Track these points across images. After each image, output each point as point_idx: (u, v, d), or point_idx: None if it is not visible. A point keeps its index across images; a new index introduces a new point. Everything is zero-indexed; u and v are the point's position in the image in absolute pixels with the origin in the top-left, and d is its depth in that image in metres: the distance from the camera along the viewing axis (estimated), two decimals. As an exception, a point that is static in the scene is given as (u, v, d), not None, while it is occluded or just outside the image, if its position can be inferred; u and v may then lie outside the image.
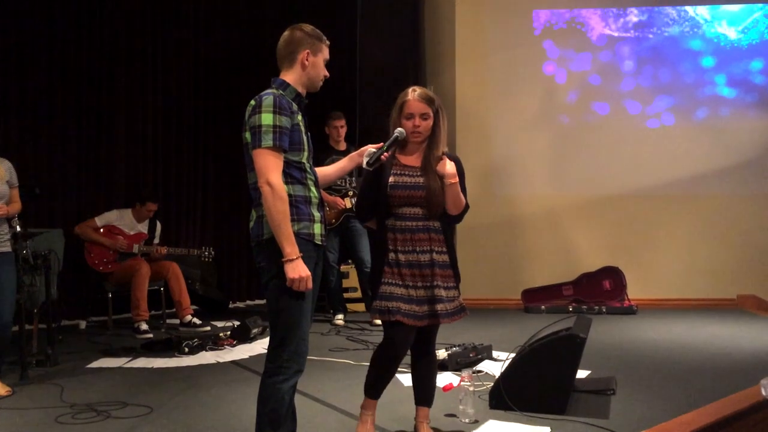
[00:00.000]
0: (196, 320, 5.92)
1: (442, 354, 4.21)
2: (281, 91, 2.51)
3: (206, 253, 6.17)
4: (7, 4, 5.81)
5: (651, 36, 7.08)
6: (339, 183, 5.79)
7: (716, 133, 6.97)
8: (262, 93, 2.47)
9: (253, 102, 2.46)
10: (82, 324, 6.12)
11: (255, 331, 5.31)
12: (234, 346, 5.06)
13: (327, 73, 2.64)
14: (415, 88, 2.84)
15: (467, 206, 2.86)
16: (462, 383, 3.23)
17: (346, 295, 6.48)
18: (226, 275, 7.35)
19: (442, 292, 2.75)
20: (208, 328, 5.87)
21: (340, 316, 6.02)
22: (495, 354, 4.48)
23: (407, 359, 2.97)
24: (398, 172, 2.81)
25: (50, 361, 4.49)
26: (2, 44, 5.81)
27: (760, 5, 6.96)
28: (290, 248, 2.36)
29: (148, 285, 5.82)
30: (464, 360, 4.21)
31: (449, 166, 2.77)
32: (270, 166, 2.39)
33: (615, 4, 7.12)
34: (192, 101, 7.13)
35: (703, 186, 6.97)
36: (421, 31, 7.51)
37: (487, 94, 7.21)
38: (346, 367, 4.22)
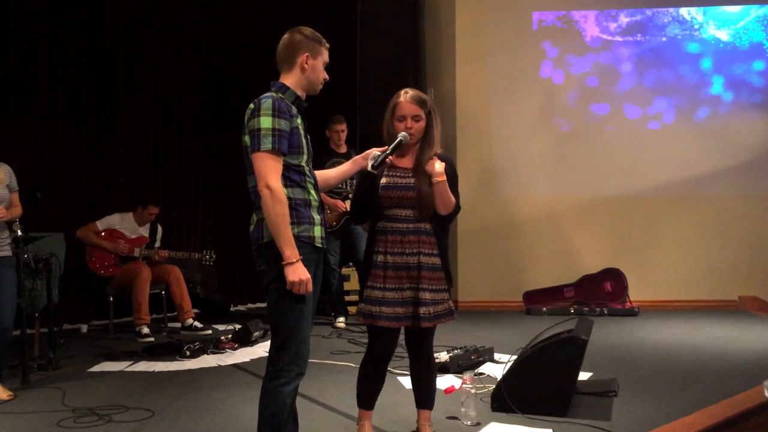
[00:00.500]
0: (198, 323, 5.93)
1: (443, 356, 4.21)
2: (280, 95, 2.51)
3: (207, 257, 6.17)
4: (7, 7, 5.81)
5: (651, 38, 7.09)
6: (340, 186, 5.79)
7: (717, 134, 6.97)
8: (261, 96, 2.47)
9: (252, 105, 2.46)
10: (84, 328, 6.13)
11: (256, 334, 5.31)
12: (235, 349, 5.06)
13: (327, 76, 2.64)
14: (408, 90, 2.83)
15: (458, 207, 2.85)
16: (464, 386, 3.22)
17: (347, 297, 6.48)
18: (227, 278, 7.36)
19: (427, 295, 2.75)
20: (210, 331, 5.87)
21: (342, 319, 6.02)
22: (497, 356, 4.48)
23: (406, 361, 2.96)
24: (390, 173, 2.82)
25: (52, 365, 4.49)
26: (3, 48, 5.82)
27: (758, 6, 6.95)
28: (290, 251, 2.36)
29: (150, 289, 5.82)
30: (466, 362, 4.21)
31: (437, 165, 2.77)
32: (269, 170, 2.39)
33: (614, 6, 7.12)
34: (193, 105, 7.14)
35: (704, 187, 6.97)
36: (421, 34, 7.52)
37: (487, 97, 7.21)
38: (348, 369, 4.20)
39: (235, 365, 4.61)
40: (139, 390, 3.96)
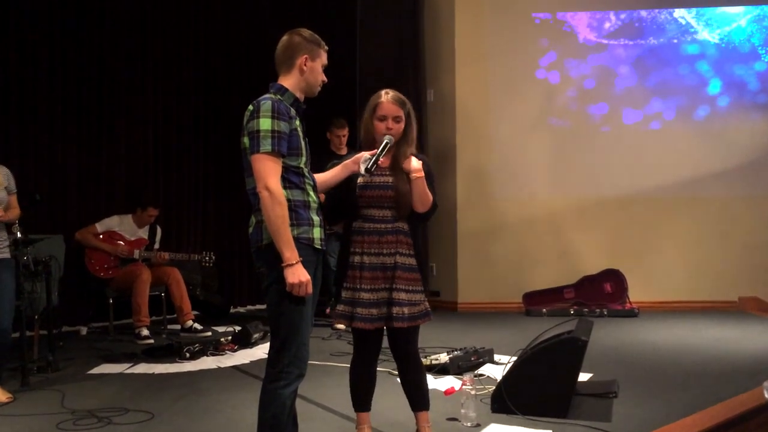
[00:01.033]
0: (197, 325, 5.92)
1: (443, 358, 4.21)
2: (279, 96, 2.51)
3: (207, 258, 6.16)
4: (7, 9, 5.81)
5: (650, 39, 7.09)
6: None
7: (716, 135, 6.97)
8: (260, 98, 2.47)
9: (251, 107, 2.46)
10: (83, 330, 6.13)
11: (256, 336, 5.30)
12: (235, 351, 5.05)
13: (325, 79, 2.64)
14: (388, 90, 2.84)
15: (435, 205, 2.85)
16: (464, 387, 3.22)
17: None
18: (227, 280, 7.34)
19: (403, 295, 2.74)
20: (209, 333, 5.86)
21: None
22: (496, 357, 4.47)
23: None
24: None
25: (51, 368, 4.48)
26: (3, 49, 5.82)
27: (755, 6, 6.96)
28: (290, 253, 2.36)
29: (149, 290, 5.82)
30: (466, 364, 4.20)
31: (414, 161, 2.77)
32: (268, 171, 2.38)
33: (613, 7, 7.12)
34: (192, 106, 7.15)
35: (704, 188, 6.96)
36: (420, 36, 7.52)
37: (487, 98, 7.22)
38: (347, 371, 4.19)
39: (234, 367, 4.60)
40: (139, 392, 3.96)
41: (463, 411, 3.20)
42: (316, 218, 2.53)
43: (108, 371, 4.52)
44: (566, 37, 7.17)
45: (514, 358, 3.50)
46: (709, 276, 6.86)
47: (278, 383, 2.42)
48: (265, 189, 2.36)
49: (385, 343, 2.89)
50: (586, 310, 6.51)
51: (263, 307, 7.43)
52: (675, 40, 7.06)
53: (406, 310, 2.73)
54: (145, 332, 5.63)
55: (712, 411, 3.29)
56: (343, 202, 2.83)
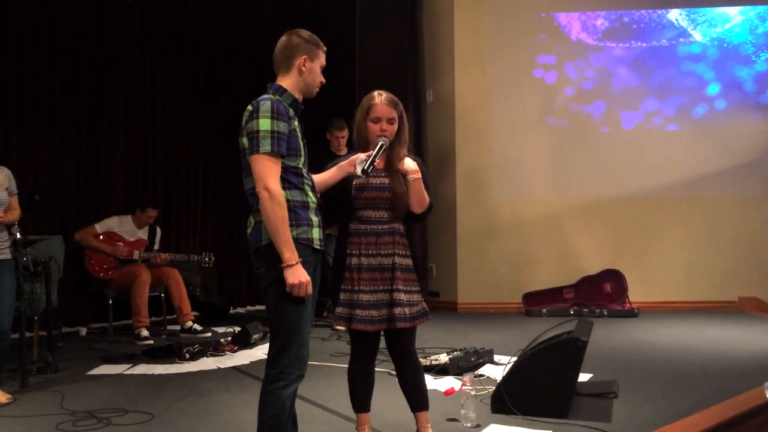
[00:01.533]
0: (197, 326, 5.92)
1: (443, 358, 4.21)
2: (278, 97, 2.50)
3: (207, 259, 6.17)
4: (6, 10, 5.81)
5: (649, 40, 7.09)
6: None
7: (716, 135, 6.97)
8: (259, 98, 2.46)
9: (250, 107, 2.45)
10: (83, 331, 6.12)
11: (256, 336, 5.30)
12: (235, 351, 5.05)
13: (323, 80, 2.64)
14: (381, 92, 2.84)
15: (431, 205, 2.86)
16: (464, 387, 3.22)
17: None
18: (226, 281, 7.35)
19: (402, 296, 2.74)
20: (209, 333, 5.86)
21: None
22: (496, 358, 4.47)
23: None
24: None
25: (51, 368, 4.48)
26: (2, 51, 5.82)
27: (753, 7, 6.96)
28: (289, 254, 2.36)
29: (149, 291, 5.81)
30: (466, 364, 4.20)
31: (410, 162, 2.78)
32: (268, 172, 2.38)
33: (614, 7, 7.12)
34: (191, 107, 7.15)
35: (704, 188, 6.96)
36: (419, 36, 7.52)
37: (486, 98, 7.22)
38: (346, 372, 4.20)
39: (234, 368, 4.60)
40: (139, 393, 3.95)
41: (463, 411, 3.20)
42: (315, 218, 2.53)
43: (107, 372, 4.52)
44: (565, 38, 7.17)
45: (514, 359, 3.50)
46: (708, 276, 6.85)
47: (278, 384, 2.42)
48: (264, 189, 2.36)
49: (382, 343, 2.89)
50: (585, 310, 6.51)
51: (263, 307, 7.41)
52: (673, 41, 7.06)
53: (407, 310, 2.73)
54: (145, 333, 5.63)
55: (712, 411, 3.29)
56: (338, 203, 2.82)
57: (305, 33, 2.60)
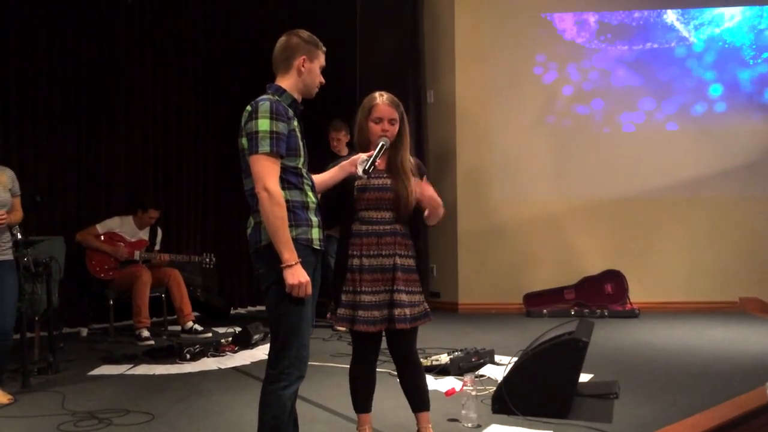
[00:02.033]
0: (198, 326, 5.92)
1: (444, 358, 4.21)
2: (277, 97, 2.50)
3: (207, 260, 6.17)
4: (6, 10, 5.81)
5: (651, 40, 7.09)
6: None
7: (716, 136, 6.97)
8: (258, 98, 2.46)
9: (249, 108, 2.45)
10: (84, 331, 6.13)
11: (256, 337, 5.30)
12: (235, 352, 5.05)
13: (323, 80, 2.63)
14: (383, 93, 2.84)
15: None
16: (464, 388, 3.22)
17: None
18: (227, 281, 7.35)
19: (404, 297, 2.74)
20: (210, 334, 5.86)
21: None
22: (497, 358, 4.47)
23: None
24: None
25: (52, 369, 4.48)
26: (2, 51, 5.82)
27: (751, 7, 6.96)
28: (288, 254, 2.35)
29: (150, 292, 5.82)
30: (466, 364, 4.20)
31: (425, 188, 2.77)
32: (267, 172, 2.38)
33: (615, 7, 7.12)
34: (192, 108, 7.15)
35: (705, 188, 6.96)
36: (420, 37, 7.52)
37: (486, 98, 7.22)
38: (348, 372, 4.19)
39: (235, 368, 4.60)
40: (139, 393, 3.95)
41: (463, 412, 3.20)
42: (314, 219, 2.53)
43: (108, 372, 4.52)
44: (565, 38, 7.17)
45: (515, 359, 3.50)
46: (709, 277, 6.85)
47: (278, 384, 2.41)
48: (264, 190, 2.36)
49: (383, 344, 2.89)
50: (586, 310, 6.51)
51: (263, 308, 7.39)
52: (673, 42, 7.06)
53: (407, 311, 2.73)
54: (146, 333, 5.63)
55: (713, 412, 3.29)
56: (339, 204, 2.82)
57: (304, 33, 2.59)
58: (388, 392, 3.51)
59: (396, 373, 2.93)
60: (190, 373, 4.47)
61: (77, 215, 6.21)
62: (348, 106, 7.31)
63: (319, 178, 2.75)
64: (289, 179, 2.46)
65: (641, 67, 7.10)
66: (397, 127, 2.82)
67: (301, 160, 2.52)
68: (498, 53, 7.21)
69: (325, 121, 6.08)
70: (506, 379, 3.39)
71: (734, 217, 6.90)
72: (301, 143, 2.52)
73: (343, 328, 5.84)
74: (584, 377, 3.88)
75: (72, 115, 6.26)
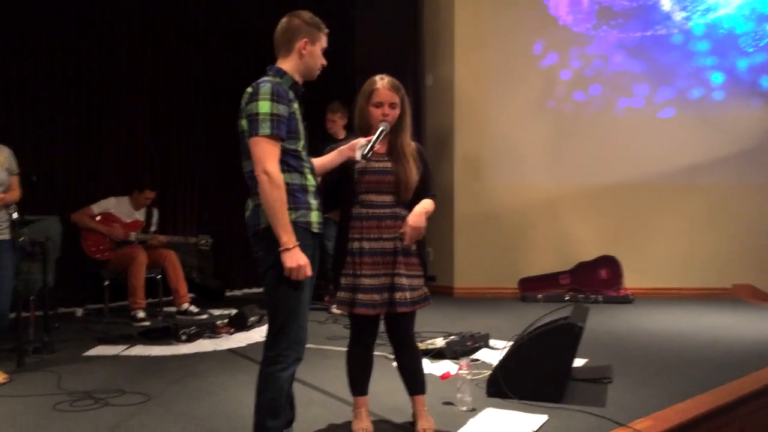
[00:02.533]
0: (194, 308, 5.92)
1: (439, 342, 4.23)
2: (278, 79, 2.49)
3: (203, 241, 6.16)
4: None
5: (651, 25, 7.06)
6: None
7: (714, 123, 6.97)
8: (259, 80, 2.45)
9: (249, 89, 2.44)
10: (79, 311, 6.13)
11: (252, 319, 5.31)
12: (231, 334, 5.06)
13: (324, 62, 2.62)
14: (383, 76, 2.83)
15: (434, 196, 2.88)
16: (460, 372, 3.24)
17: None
18: (222, 263, 7.35)
19: (404, 281, 2.74)
20: (205, 316, 5.87)
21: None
22: (492, 342, 4.49)
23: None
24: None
25: (47, 349, 4.49)
26: (3, 33, 5.76)
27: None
28: (287, 237, 2.35)
29: (145, 273, 5.81)
30: (461, 348, 4.22)
31: (412, 221, 2.74)
32: (267, 155, 2.37)
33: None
34: (191, 88, 7.11)
35: (700, 175, 6.98)
36: (419, 21, 7.48)
37: (485, 84, 7.19)
38: (344, 355, 4.19)
39: (231, 350, 4.61)
40: (135, 374, 3.96)
41: (458, 395, 3.22)
42: (313, 202, 2.52)
43: (104, 353, 4.53)
44: (564, 24, 7.13)
45: (510, 343, 3.51)
46: (703, 263, 6.88)
47: (276, 366, 2.42)
48: (263, 173, 2.35)
49: (381, 327, 2.90)
50: (581, 296, 6.54)
51: (259, 290, 7.44)
52: (673, 28, 7.03)
53: (408, 294, 2.74)
54: (141, 314, 5.64)
55: (706, 396, 3.32)
56: (338, 188, 2.82)
57: (306, 15, 2.57)
58: (384, 375, 3.52)
59: (392, 356, 2.94)
60: (186, 355, 4.48)
61: (73, 195, 6.18)
62: (346, 89, 7.30)
63: (318, 162, 2.74)
64: (288, 162, 2.45)
65: (640, 53, 7.08)
66: (397, 111, 2.81)
67: (301, 143, 2.51)
68: (497, 38, 7.18)
69: (322, 103, 6.04)
70: (501, 363, 3.41)
71: (730, 204, 6.92)
72: (301, 126, 2.51)
73: (339, 311, 5.91)
74: (578, 362, 3.90)
75: (70, 96, 6.22)
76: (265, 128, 2.36)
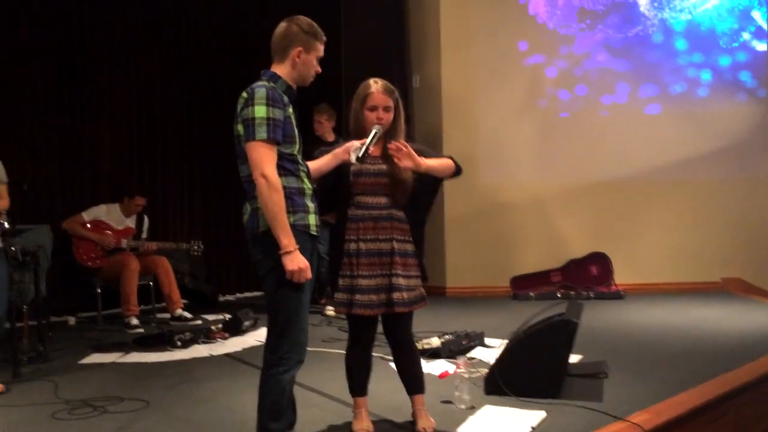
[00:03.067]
0: (187, 314, 5.92)
1: (435, 342, 4.25)
2: (272, 84, 2.51)
3: (195, 247, 6.15)
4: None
5: (633, 24, 7.12)
6: None
7: (698, 119, 7.04)
8: (254, 85, 2.46)
9: (245, 94, 2.45)
10: (71, 320, 6.10)
11: (246, 323, 5.30)
12: (226, 338, 5.05)
13: (319, 69, 2.63)
14: (377, 80, 2.86)
15: (458, 166, 2.94)
16: (457, 370, 3.26)
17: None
18: (214, 268, 7.33)
19: (401, 281, 2.77)
20: (199, 321, 5.86)
21: (332, 307, 6.02)
22: (487, 341, 4.52)
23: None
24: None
25: (42, 358, 4.47)
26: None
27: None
28: (287, 240, 2.37)
29: (138, 280, 5.79)
30: (457, 347, 4.24)
31: (407, 162, 2.76)
32: (265, 159, 2.38)
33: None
34: (179, 94, 7.09)
35: (688, 171, 7.04)
36: (405, 21, 7.50)
37: (472, 83, 7.23)
38: (341, 357, 4.15)
39: (227, 355, 4.61)
40: (132, 381, 3.96)
41: (457, 393, 3.24)
42: (311, 205, 2.54)
43: (99, 360, 4.52)
44: (551, 23, 7.18)
45: (506, 341, 3.54)
46: (692, 258, 6.94)
47: (278, 369, 2.44)
48: (261, 176, 2.36)
49: (379, 328, 2.92)
50: (572, 293, 6.58)
51: (252, 294, 7.46)
52: (655, 27, 7.09)
53: (405, 295, 2.76)
54: (135, 321, 5.62)
55: (700, 389, 3.36)
56: (334, 190, 2.83)
57: (305, 22, 2.58)
58: (383, 376, 3.54)
59: (390, 357, 2.96)
60: (182, 361, 4.47)
61: (63, 203, 6.16)
62: (332, 90, 7.33)
63: (313, 165, 2.76)
64: (285, 166, 2.47)
65: (623, 51, 7.13)
66: (392, 115, 2.84)
67: (297, 146, 2.53)
68: (483, 37, 7.21)
69: (308, 105, 6.04)
70: (498, 360, 3.44)
71: (717, 199, 6.99)
72: (296, 130, 2.53)
73: (333, 313, 5.93)
74: (573, 358, 3.94)
75: (56, 103, 6.19)
76: (262, 132, 2.38)
